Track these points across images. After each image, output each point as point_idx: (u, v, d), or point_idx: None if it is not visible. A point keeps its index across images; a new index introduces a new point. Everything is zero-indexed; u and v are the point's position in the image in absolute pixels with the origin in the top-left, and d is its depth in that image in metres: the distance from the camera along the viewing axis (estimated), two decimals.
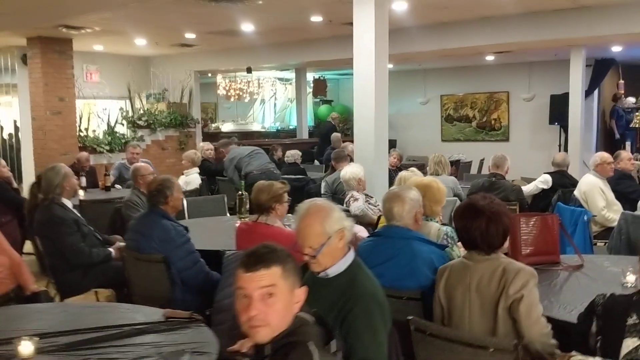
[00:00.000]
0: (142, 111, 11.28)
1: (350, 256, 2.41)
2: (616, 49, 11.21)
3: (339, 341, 1.89)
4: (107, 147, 10.37)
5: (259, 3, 7.02)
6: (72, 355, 2.34)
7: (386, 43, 6.08)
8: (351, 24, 8.29)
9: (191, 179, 7.54)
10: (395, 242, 2.92)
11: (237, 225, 3.93)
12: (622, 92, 13.80)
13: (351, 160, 7.33)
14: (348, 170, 5.44)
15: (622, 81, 14.06)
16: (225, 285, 3.59)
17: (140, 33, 9.69)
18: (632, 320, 2.16)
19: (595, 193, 5.86)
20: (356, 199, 5.30)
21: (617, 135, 13.39)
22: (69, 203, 4.54)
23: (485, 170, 10.94)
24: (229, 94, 15.85)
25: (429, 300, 2.78)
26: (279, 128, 16.96)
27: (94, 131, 10.77)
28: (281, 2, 7.26)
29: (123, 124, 10.89)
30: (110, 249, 4.55)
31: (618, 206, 5.83)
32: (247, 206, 5.38)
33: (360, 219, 5.15)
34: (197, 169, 7.79)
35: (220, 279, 3.62)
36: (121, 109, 11.16)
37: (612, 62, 13.17)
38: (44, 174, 4.56)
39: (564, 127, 13.56)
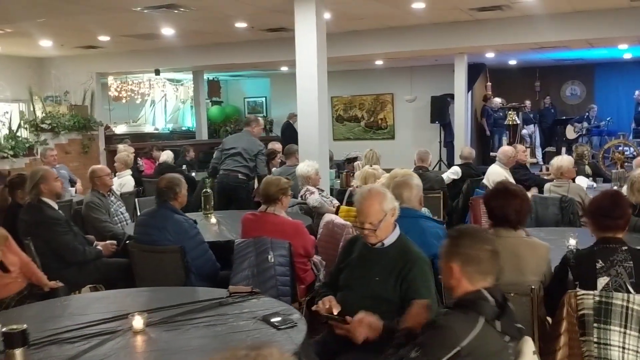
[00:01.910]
0: (44, 114, 10.96)
1: (398, 229, 3.01)
2: (489, 55, 12.69)
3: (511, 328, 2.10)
4: (11, 152, 10.00)
5: (192, 9, 7.33)
6: (179, 326, 2.71)
7: (325, 47, 6.70)
8: (273, 30, 8.87)
9: (125, 180, 7.64)
10: (406, 221, 3.52)
11: (244, 216, 4.34)
12: (490, 93, 15.53)
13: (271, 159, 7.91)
14: (303, 166, 5.98)
15: (489, 83, 15.82)
16: (239, 270, 4.03)
17: (49, 35, 9.50)
18: (599, 264, 2.96)
19: None
20: (312, 192, 5.86)
21: (488, 132, 15.02)
22: (54, 205, 4.69)
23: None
24: (120, 95, 15.66)
25: (437, 265, 3.44)
26: (172, 129, 16.96)
27: None
28: (211, 9, 7.59)
29: (26, 128, 10.52)
30: (99, 247, 4.78)
31: None
32: (212, 203, 5.79)
33: (318, 210, 5.73)
34: (129, 171, 7.91)
35: (234, 264, 4.03)
36: (22, 112, 10.76)
37: (482, 67, 14.79)
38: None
39: (444, 125, 15.04)
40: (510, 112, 12.97)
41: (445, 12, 7.91)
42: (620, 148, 11.12)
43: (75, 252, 4.50)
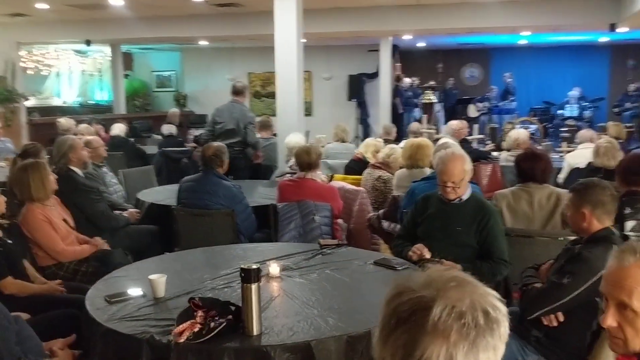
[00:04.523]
0: None
1: (471, 187, 3.53)
2: (406, 37, 13.49)
3: None
4: None
5: None
6: (305, 272, 3.07)
7: (302, 23, 7.00)
8: (224, 5, 8.97)
9: None
10: None
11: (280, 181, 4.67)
12: (399, 73, 16.47)
13: None
14: (294, 138, 6.31)
15: (398, 64, 16.75)
16: (286, 230, 4.38)
17: None
18: (627, 211, 3.69)
19: None
20: None
21: (401, 110, 15.96)
22: (81, 173, 4.72)
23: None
24: (26, 66, 14.81)
25: None
26: (81, 103, 16.30)
27: None
28: None
29: None
30: (125, 215, 4.89)
31: None
32: None
33: None
34: None
35: (280, 225, 4.36)
36: None
37: (395, 48, 15.64)
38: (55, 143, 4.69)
39: (360, 103, 15.78)
40: (427, 92, 13.94)
41: None
42: (525, 125, 12.44)
43: (109, 220, 4.60)
